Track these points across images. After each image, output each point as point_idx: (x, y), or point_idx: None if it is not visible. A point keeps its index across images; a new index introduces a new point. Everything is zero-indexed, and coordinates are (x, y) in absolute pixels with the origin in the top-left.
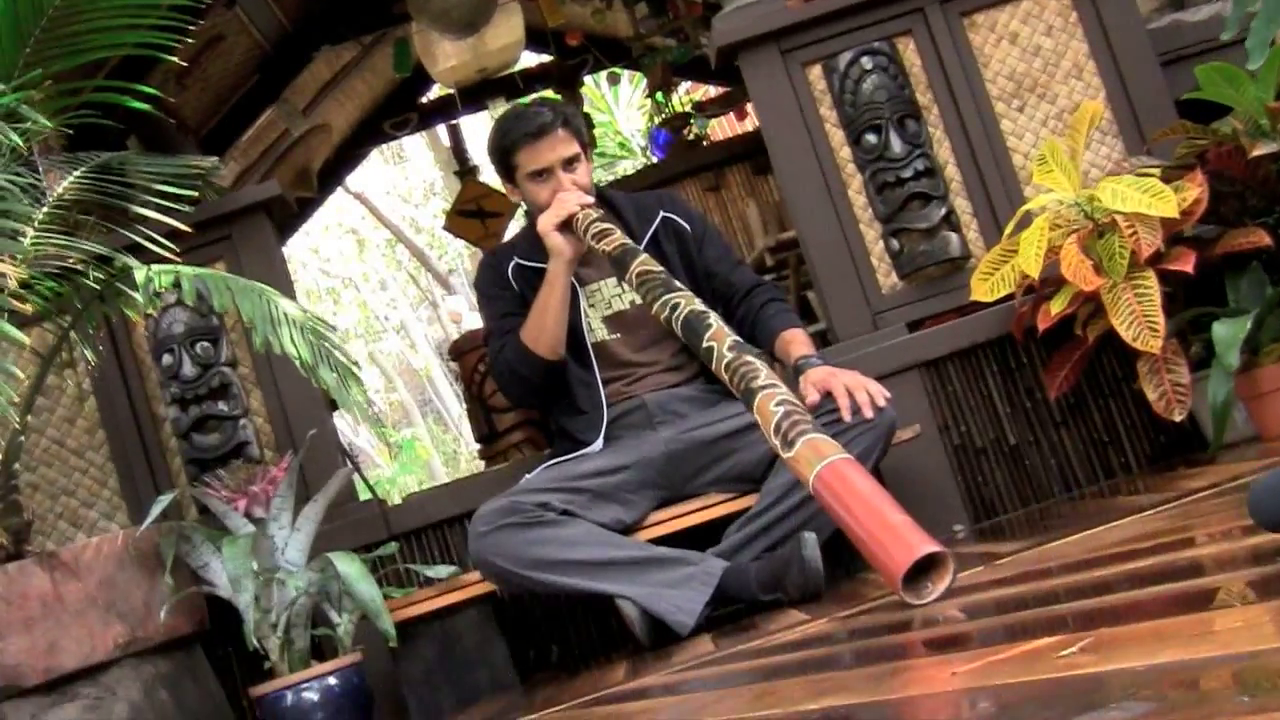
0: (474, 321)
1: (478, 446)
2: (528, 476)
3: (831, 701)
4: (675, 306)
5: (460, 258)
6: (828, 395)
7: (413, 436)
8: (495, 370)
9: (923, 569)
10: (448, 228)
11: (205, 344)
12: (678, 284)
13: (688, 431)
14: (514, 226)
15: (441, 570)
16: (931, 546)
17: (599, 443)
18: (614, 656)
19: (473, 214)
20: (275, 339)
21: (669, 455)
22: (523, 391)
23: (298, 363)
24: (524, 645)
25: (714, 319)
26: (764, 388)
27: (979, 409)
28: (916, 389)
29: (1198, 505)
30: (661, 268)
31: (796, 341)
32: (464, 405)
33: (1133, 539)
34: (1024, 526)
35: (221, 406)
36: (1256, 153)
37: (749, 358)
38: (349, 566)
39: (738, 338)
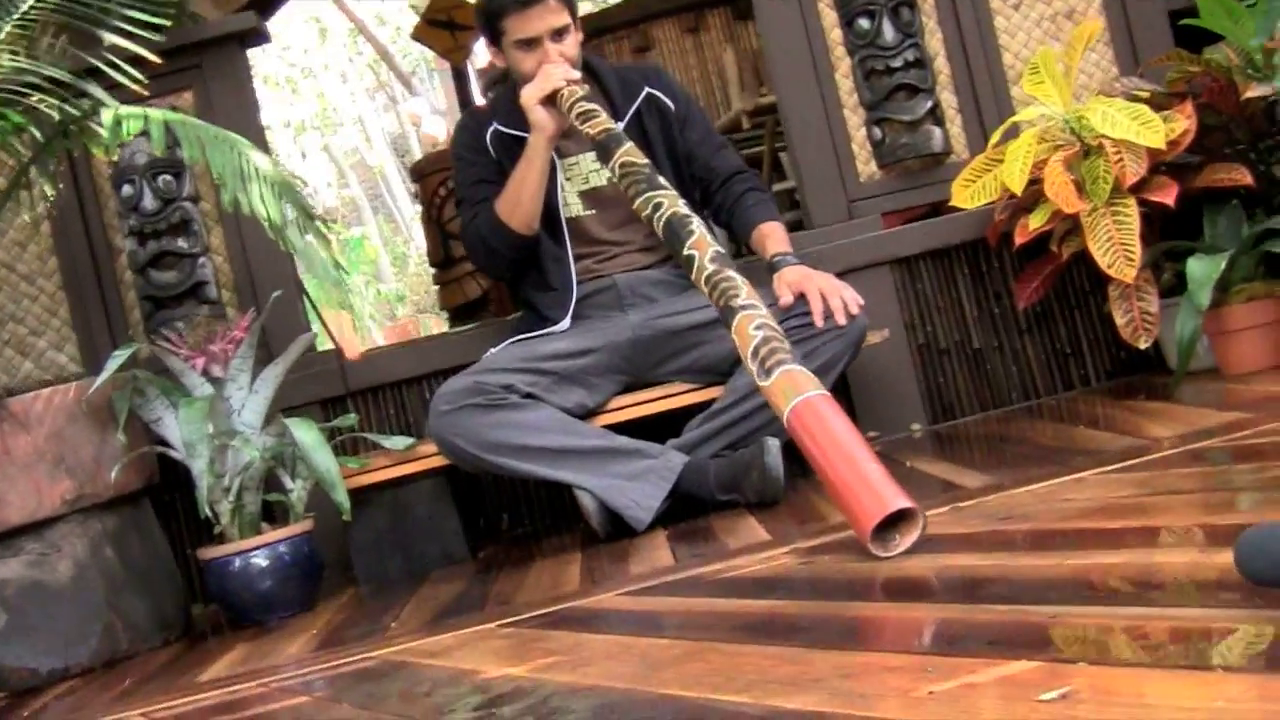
0: (433, 128)
1: (432, 270)
2: (492, 352)
3: (798, 704)
4: (658, 206)
5: (424, 60)
6: (800, 298)
7: (363, 235)
8: (465, 238)
9: (892, 519)
10: (416, 36)
11: (168, 177)
12: (661, 180)
13: (657, 318)
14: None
15: (398, 441)
16: (903, 502)
17: (566, 321)
18: (565, 534)
19: (443, 24)
20: (245, 197)
21: (636, 341)
22: (492, 263)
23: (266, 225)
24: (475, 513)
25: (696, 225)
26: (744, 308)
27: (946, 310)
28: (886, 285)
29: (1164, 472)
30: (646, 160)
31: (774, 236)
32: (418, 209)
33: (1101, 510)
34: (983, 443)
35: (181, 243)
36: (1250, 94)
37: (730, 273)
38: (306, 434)
39: (719, 248)
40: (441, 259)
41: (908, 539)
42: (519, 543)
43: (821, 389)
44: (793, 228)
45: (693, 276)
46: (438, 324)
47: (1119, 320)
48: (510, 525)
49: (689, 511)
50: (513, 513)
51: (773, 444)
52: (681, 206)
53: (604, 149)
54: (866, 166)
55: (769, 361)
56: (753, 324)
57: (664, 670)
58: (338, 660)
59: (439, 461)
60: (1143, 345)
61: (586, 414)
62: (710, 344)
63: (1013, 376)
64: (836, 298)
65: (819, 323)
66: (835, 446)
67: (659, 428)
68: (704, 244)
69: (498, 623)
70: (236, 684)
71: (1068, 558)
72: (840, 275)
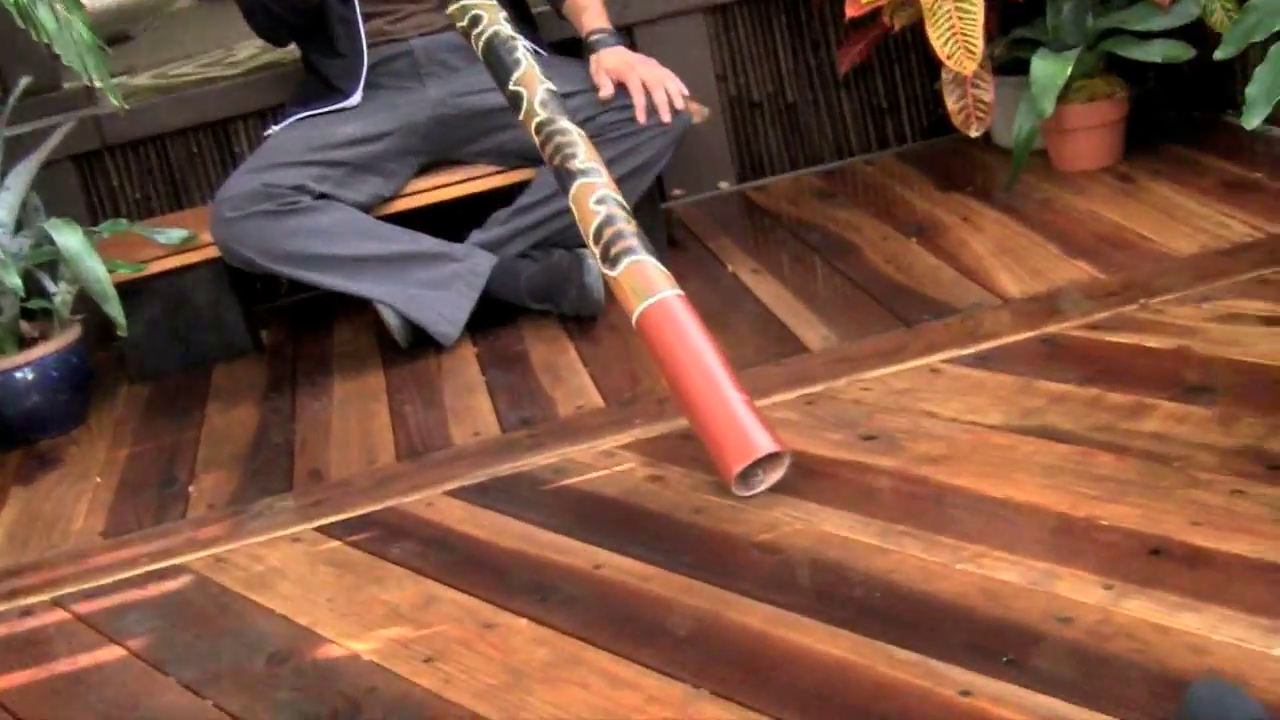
0: None
1: None
2: (275, 131)
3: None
4: (476, 20)
5: None
6: (621, 88)
7: None
8: None
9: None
10: None
11: None
12: None
13: (461, 95)
14: None
15: (174, 235)
16: (771, 446)
17: (357, 95)
18: (353, 312)
19: None
20: None
21: (437, 120)
22: (271, 27)
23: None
24: (252, 281)
25: (522, 53)
26: (583, 173)
27: (761, 61)
28: (698, 33)
29: (1029, 385)
30: None
31: (591, 9)
32: None
33: (971, 457)
34: (803, 245)
35: None
36: None
37: (564, 124)
38: (70, 239)
39: (552, 86)
40: None
41: (771, 476)
42: (304, 321)
43: (675, 287)
44: None
45: (519, 118)
46: None
47: (951, 106)
48: (290, 289)
49: (498, 316)
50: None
51: (592, 263)
52: (504, 24)
53: None
54: None
55: (614, 248)
56: (593, 197)
57: (532, 682)
58: (133, 565)
59: (218, 252)
60: (974, 134)
61: (384, 202)
62: (519, 127)
63: (826, 133)
64: (660, 90)
65: (642, 119)
66: (696, 365)
67: (461, 221)
68: (533, 80)
69: (316, 524)
70: (21, 595)
71: (955, 556)
72: (652, 22)
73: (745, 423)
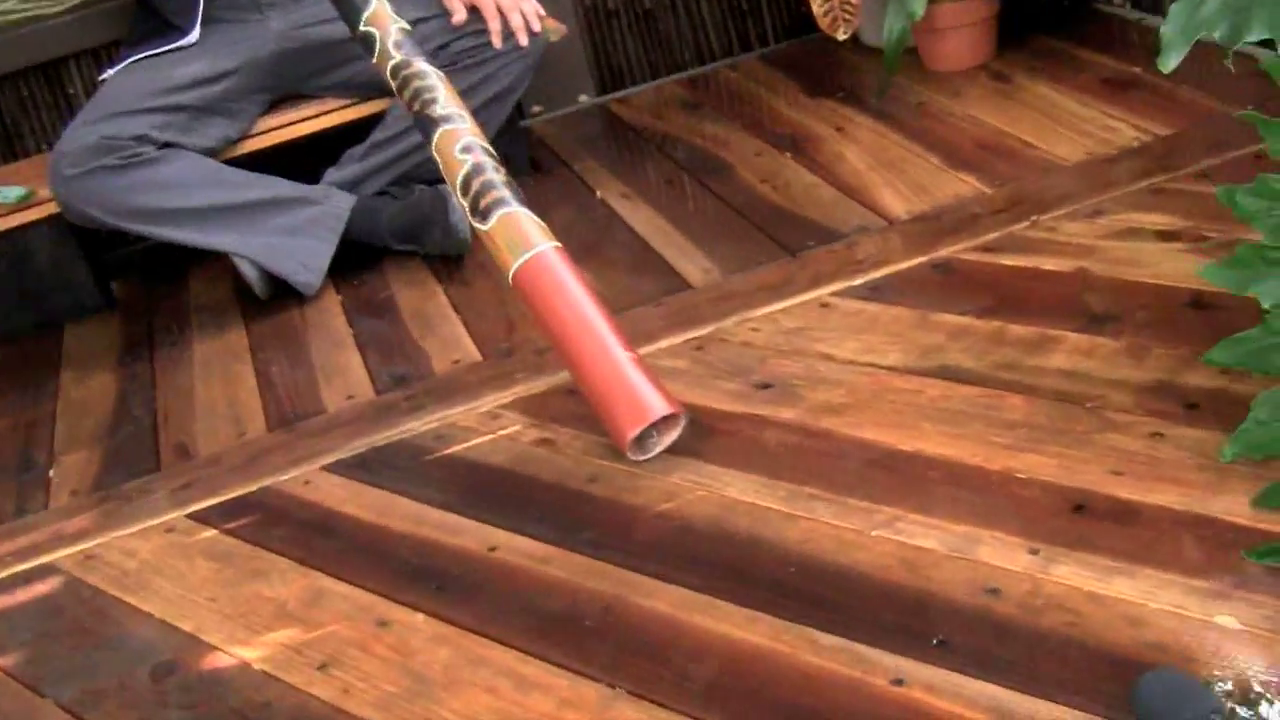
0: None
1: None
2: (110, 74)
3: None
4: None
5: None
6: (474, 12)
7: None
8: None
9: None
10: None
11: None
12: None
13: (304, 26)
14: None
15: (9, 193)
16: (665, 408)
17: (195, 32)
18: (205, 260)
19: None
20: None
21: (281, 55)
22: None
23: None
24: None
25: None
26: (445, 119)
27: None
28: None
29: (924, 320)
30: None
31: None
32: None
33: (873, 403)
34: (671, 165)
35: None
36: None
37: (421, 66)
38: None
39: (405, 24)
40: None
41: (667, 437)
42: (157, 270)
43: (551, 239)
44: None
45: (373, 63)
46: None
47: (816, 8)
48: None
49: (361, 259)
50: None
51: (455, 201)
52: None
53: None
54: None
55: (484, 200)
56: (458, 145)
57: (435, 688)
58: None
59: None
60: (841, 37)
61: (232, 145)
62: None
63: (686, 38)
64: (516, 13)
65: (497, 44)
66: (580, 324)
67: (314, 155)
68: (384, 18)
69: (188, 511)
70: None
71: (870, 522)
72: None
73: (636, 384)
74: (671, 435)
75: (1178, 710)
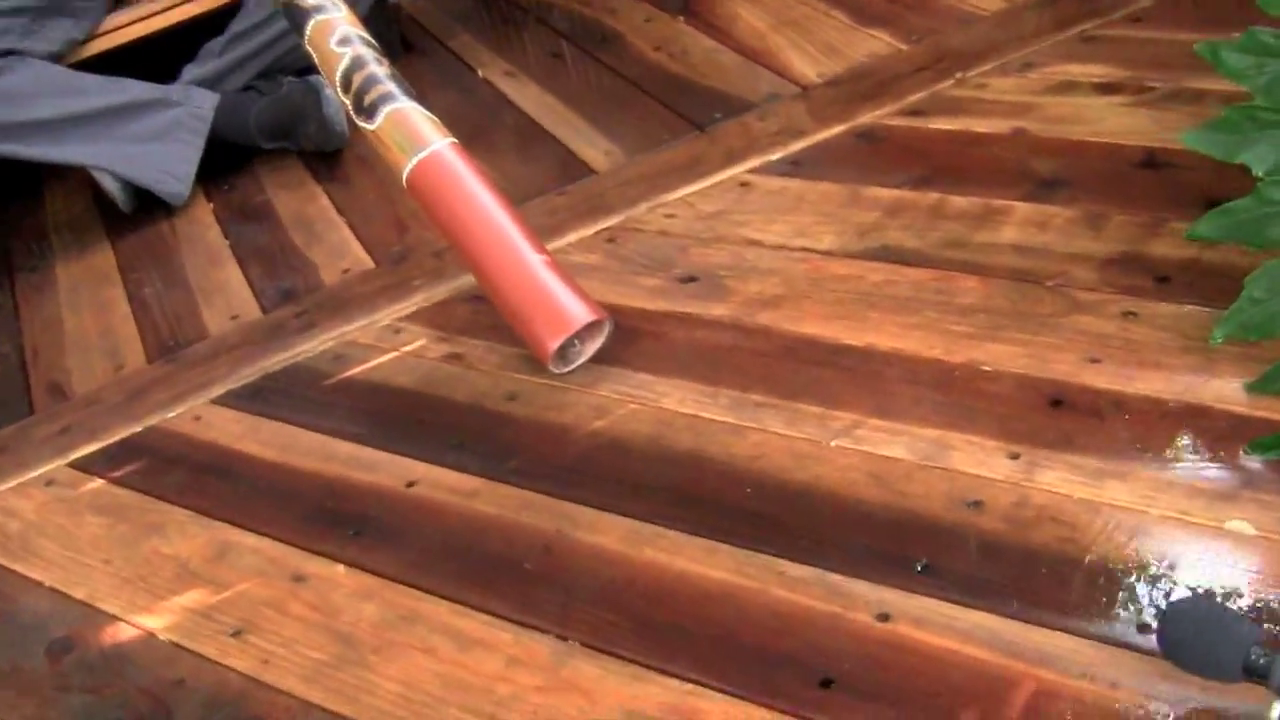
0: None
1: None
2: None
3: None
4: None
5: None
6: None
7: None
8: None
9: None
10: None
11: None
12: None
13: None
14: None
15: None
16: (588, 316)
17: None
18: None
19: None
20: None
21: None
22: None
23: None
24: None
25: None
26: (316, 9)
27: None
28: None
29: (854, 198)
30: None
31: None
32: None
33: (815, 302)
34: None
35: None
36: None
37: None
38: None
39: None
40: None
41: (591, 345)
42: (9, 185)
43: (446, 135)
44: None
45: None
46: None
47: None
48: None
49: (230, 161)
50: None
51: (331, 97)
52: None
53: None
54: None
55: (368, 96)
56: (333, 37)
57: (366, 652)
58: None
59: None
60: None
61: (78, 47)
62: None
63: None
64: None
65: None
66: (486, 228)
67: (170, 52)
68: None
69: (70, 459)
70: None
71: (826, 430)
72: None
73: (553, 291)
74: (596, 343)
75: (1213, 647)
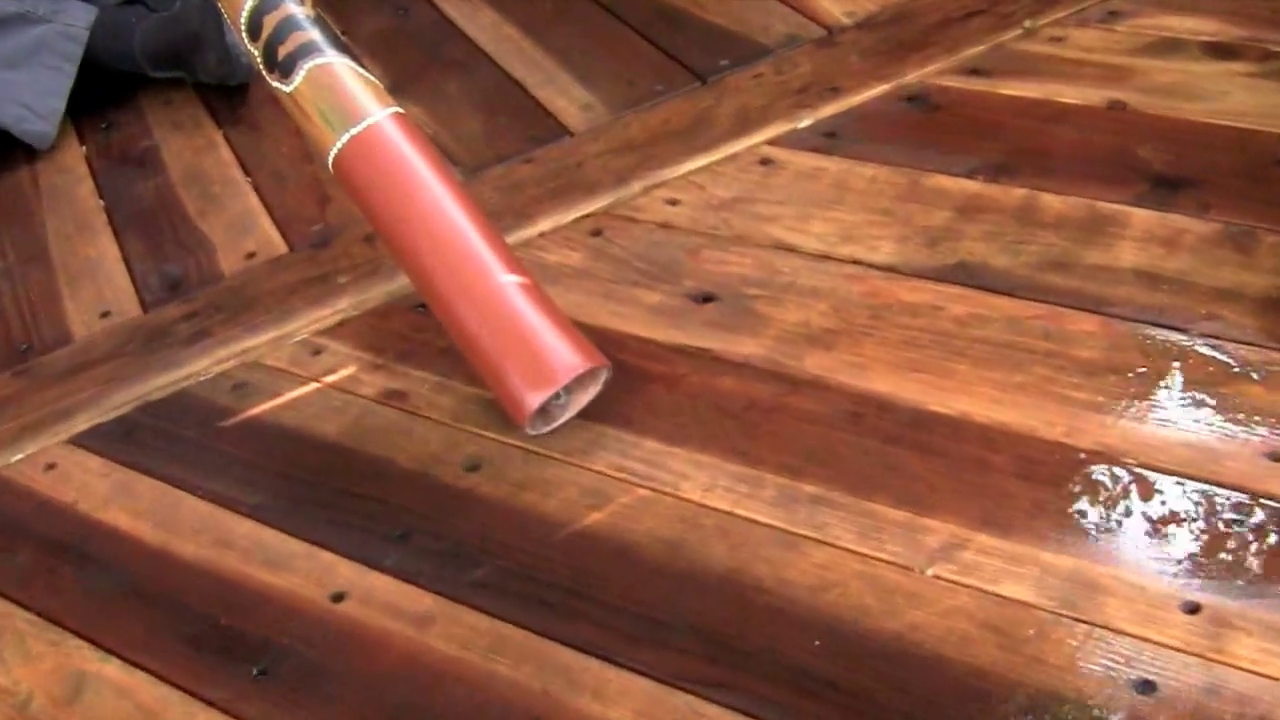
0: None
1: None
2: None
3: None
4: None
5: None
6: None
7: None
8: None
9: None
10: None
11: None
12: None
13: None
14: None
15: None
16: (579, 365)
17: None
18: None
19: None
20: None
21: None
22: None
23: None
24: None
25: None
26: None
27: None
28: None
29: (860, 164)
30: None
31: None
32: None
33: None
34: None
35: None
36: None
37: None
38: None
39: None
40: None
41: (579, 397)
42: None
43: (387, 103)
44: None
45: None
46: None
47: None
48: None
49: (109, 92)
50: None
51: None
52: None
53: None
54: None
55: (283, 47)
56: None
57: None
58: None
59: None
60: None
61: None
62: None
63: None
64: None
65: None
66: (445, 238)
67: None
68: None
69: None
70: None
71: (916, 548)
72: None
73: (533, 327)
74: (588, 394)
75: None
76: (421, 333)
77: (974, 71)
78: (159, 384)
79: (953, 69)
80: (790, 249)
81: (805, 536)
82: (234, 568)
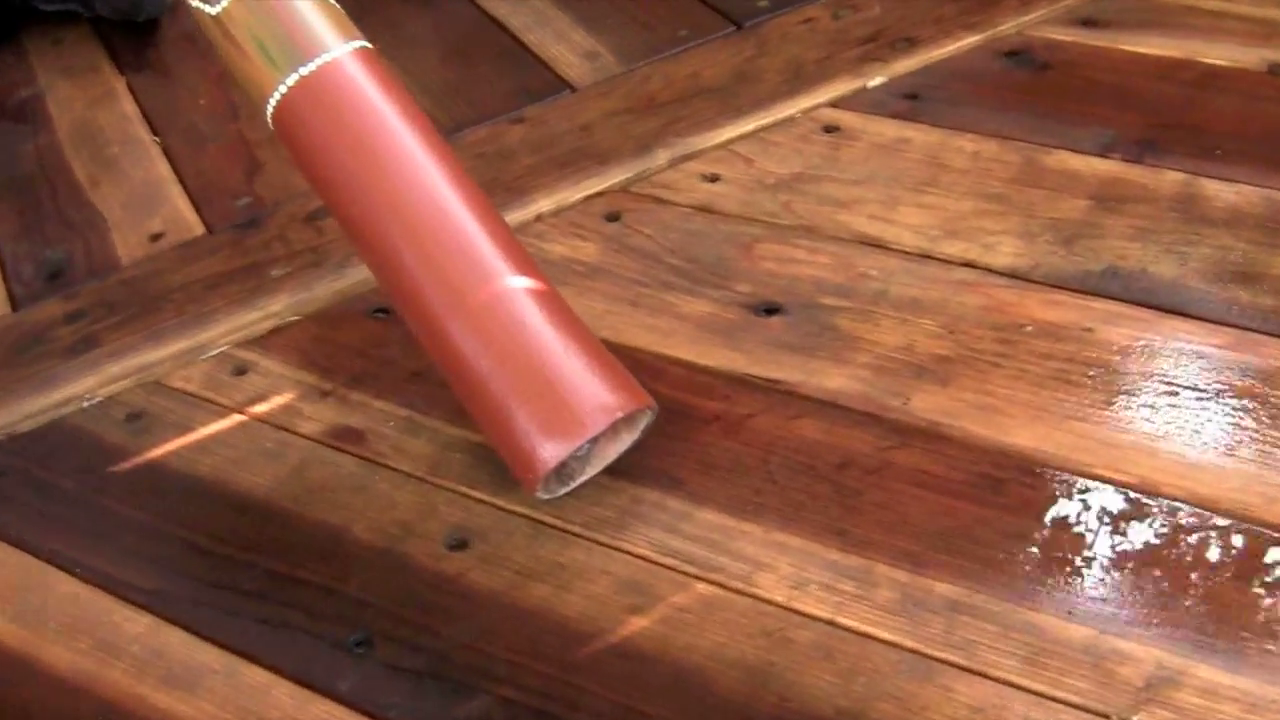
0: None
1: None
2: None
3: None
4: None
5: None
6: None
7: None
8: None
9: None
10: None
11: None
12: None
13: None
14: None
15: None
16: (618, 408)
17: None
18: None
19: None
20: None
21: None
22: None
23: None
24: None
25: None
26: None
27: None
28: None
29: (955, 134)
30: None
31: None
32: None
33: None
34: None
35: None
36: None
37: None
38: None
39: None
40: None
41: (610, 448)
42: None
43: (352, 34)
44: None
45: None
46: None
47: None
48: None
49: None
50: None
51: None
52: None
53: None
54: None
55: None
56: None
57: None
58: None
59: None
60: None
61: None
62: None
63: None
64: None
65: None
66: (427, 224)
67: None
68: None
69: None
70: None
71: (1109, 687)
72: None
73: (553, 354)
74: (617, 445)
75: None
76: (384, 347)
77: (1087, 22)
78: (28, 411)
79: (1060, 18)
80: (877, 244)
81: (946, 662)
82: (122, 687)
